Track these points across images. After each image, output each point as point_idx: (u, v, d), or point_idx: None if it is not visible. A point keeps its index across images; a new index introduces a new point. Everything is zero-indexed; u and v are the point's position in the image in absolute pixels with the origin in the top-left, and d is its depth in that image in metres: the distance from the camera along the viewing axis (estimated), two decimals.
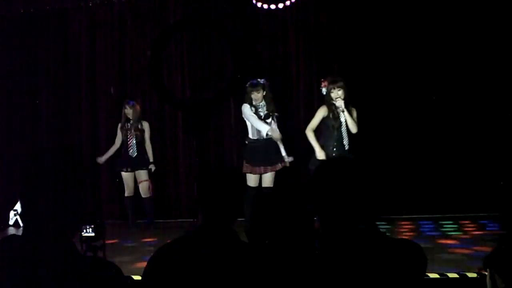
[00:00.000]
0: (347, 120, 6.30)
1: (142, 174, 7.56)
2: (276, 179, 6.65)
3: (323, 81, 6.49)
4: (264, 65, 8.32)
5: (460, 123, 7.71)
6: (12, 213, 8.38)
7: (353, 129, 6.31)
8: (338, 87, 6.27)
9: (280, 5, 7.81)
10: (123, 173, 7.57)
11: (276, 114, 6.65)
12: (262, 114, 6.56)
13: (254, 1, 7.84)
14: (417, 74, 7.79)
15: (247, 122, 6.65)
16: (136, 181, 7.62)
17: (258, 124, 6.49)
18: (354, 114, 6.40)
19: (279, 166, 6.58)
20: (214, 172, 2.36)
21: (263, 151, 6.55)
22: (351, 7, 8.03)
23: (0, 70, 8.96)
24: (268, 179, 6.53)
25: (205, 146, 8.31)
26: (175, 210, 8.56)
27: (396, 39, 7.82)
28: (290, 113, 8.29)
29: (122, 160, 7.60)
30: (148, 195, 7.59)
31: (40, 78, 9.04)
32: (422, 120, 7.80)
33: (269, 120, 6.56)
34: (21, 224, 7.89)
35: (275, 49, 8.40)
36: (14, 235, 1.80)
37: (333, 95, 6.28)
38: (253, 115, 6.51)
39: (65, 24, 9.00)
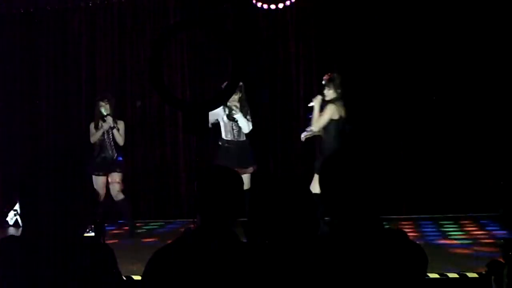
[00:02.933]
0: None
1: (116, 176, 7.02)
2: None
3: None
4: (264, 65, 8.33)
5: (460, 122, 7.70)
6: (12, 213, 8.38)
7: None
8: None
9: (280, 5, 7.81)
10: (95, 177, 6.96)
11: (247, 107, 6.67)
12: (234, 116, 6.58)
13: (254, 1, 7.84)
14: (417, 74, 7.79)
15: (221, 123, 6.66)
16: (107, 185, 7.07)
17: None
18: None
19: (251, 169, 6.52)
20: (213, 172, 2.36)
21: (236, 153, 6.54)
22: (351, 7, 8.03)
23: (0, 70, 8.96)
24: (244, 182, 6.50)
25: (205, 146, 8.31)
26: (175, 210, 8.56)
27: (396, 39, 7.82)
28: (290, 114, 8.29)
29: (95, 163, 7.02)
30: (121, 197, 7.09)
31: (40, 78, 9.04)
32: (422, 119, 7.80)
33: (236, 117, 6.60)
34: (21, 225, 7.88)
35: (275, 49, 8.40)
36: (13, 236, 1.80)
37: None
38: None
39: (65, 24, 9.00)
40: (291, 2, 7.80)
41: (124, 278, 4.04)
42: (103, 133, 7.06)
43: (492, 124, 7.57)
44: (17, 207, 8.23)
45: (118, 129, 7.04)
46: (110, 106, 7.06)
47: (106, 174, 7.03)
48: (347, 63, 7.97)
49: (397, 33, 7.83)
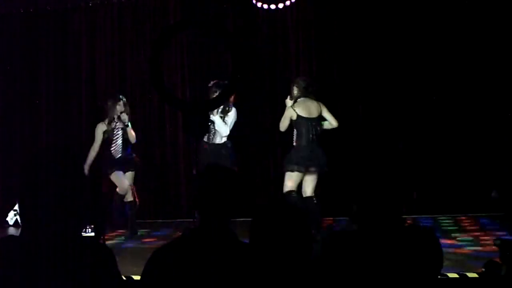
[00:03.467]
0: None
1: (129, 177, 7.04)
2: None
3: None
4: (264, 65, 8.33)
5: (460, 122, 7.70)
6: (12, 213, 8.38)
7: None
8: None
9: (280, 5, 7.80)
10: (121, 175, 6.98)
11: (228, 108, 6.57)
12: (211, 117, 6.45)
13: (254, 1, 7.84)
14: (418, 74, 7.79)
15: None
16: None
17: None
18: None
19: None
20: (212, 171, 2.36)
21: (206, 155, 6.44)
22: (351, 7, 8.03)
23: (0, 70, 8.96)
24: None
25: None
26: (175, 210, 8.56)
27: (396, 39, 7.82)
28: None
29: (113, 161, 7.00)
30: (130, 199, 7.06)
31: (40, 78, 9.04)
32: (422, 119, 7.80)
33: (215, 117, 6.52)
34: (21, 224, 7.86)
35: (275, 49, 8.40)
36: (12, 235, 1.81)
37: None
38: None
39: (65, 24, 9.01)
40: (291, 2, 7.79)
41: (124, 278, 4.04)
42: (114, 132, 6.98)
43: (492, 123, 7.57)
44: (17, 207, 8.23)
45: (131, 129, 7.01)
46: (126, 109, 7.04)
47: (125, 172, 7.02)
48: (347, 63, 7.97)
49: (397, 32, 7.83)
